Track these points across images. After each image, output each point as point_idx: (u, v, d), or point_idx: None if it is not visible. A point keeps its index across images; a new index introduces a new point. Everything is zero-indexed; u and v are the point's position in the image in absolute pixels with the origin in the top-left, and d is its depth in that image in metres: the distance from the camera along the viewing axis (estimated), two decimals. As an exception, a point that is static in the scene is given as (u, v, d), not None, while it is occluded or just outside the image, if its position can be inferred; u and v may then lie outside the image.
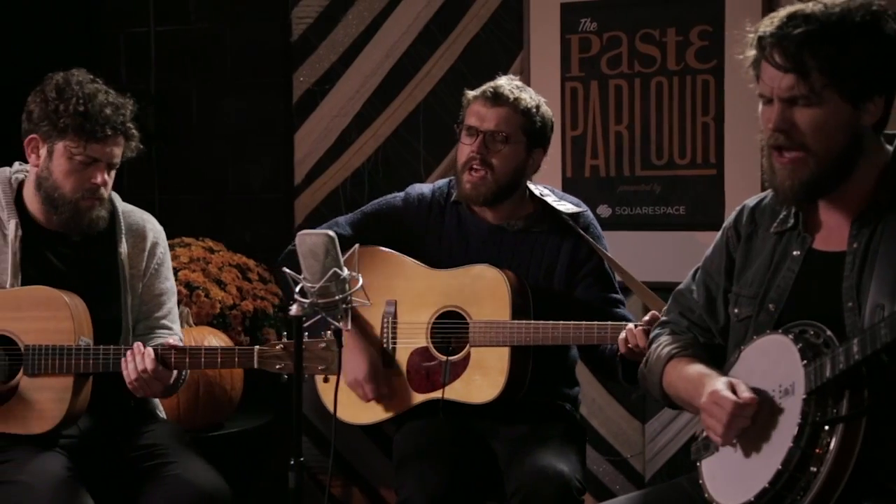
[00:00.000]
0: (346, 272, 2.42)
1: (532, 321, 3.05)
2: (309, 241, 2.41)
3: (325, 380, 3.17)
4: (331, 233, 2.41)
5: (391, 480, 4.31)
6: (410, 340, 3.19)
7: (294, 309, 2.41)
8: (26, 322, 2.90)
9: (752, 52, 2.23)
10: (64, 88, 2.94)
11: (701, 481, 2.29)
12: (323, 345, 2.75)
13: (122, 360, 2.84)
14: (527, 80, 3.98)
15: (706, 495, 2.26)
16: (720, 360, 2.39)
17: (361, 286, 2.46)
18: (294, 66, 4.41)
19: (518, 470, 2.94)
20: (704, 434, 2.32)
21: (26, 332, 2.90)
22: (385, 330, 3.23)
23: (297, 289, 2.45)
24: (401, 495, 2.98)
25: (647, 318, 2.87)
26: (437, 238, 3.25)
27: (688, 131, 3.87)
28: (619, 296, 3.23)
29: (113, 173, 3.03)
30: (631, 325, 2.89)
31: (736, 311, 2.37)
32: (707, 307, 2.46)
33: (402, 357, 3.20)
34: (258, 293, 3.85)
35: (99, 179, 2.96)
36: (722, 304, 2.43)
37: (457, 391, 3.11)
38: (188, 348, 2.90)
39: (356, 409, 3.21)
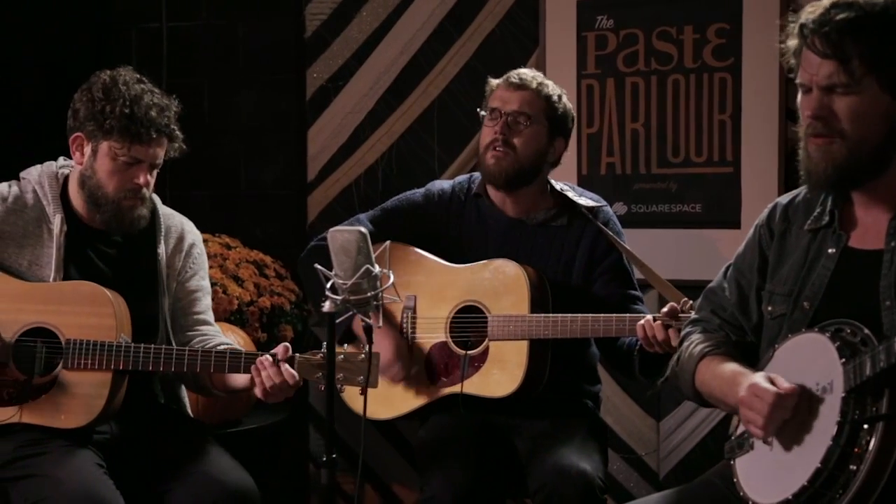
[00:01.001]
0: (377, 269, 2.42)
1: (551, 314, 3.05)
2: (341, 237, 2.40)
3: (340, 390, 3.15)
4: (363, 230, 2.39)
5: (403, 477, 4.34)
6: (430, 335, 3.19)
7: (327, 305, 2.39)
8: (68, 316, 2.89)
9: (793, 42, 2.22)
10: (111, 88, 2.93)
11: (735, 480, 2.28)
12: (362, 357, 2.76)
13: (253, 369, 2.83)
14: (543, 78, 3.99)
15: (741, 494, 2.25)
16: (752, 359, 2.39)
17: (392, 283, 2.45)
18: (307, 62, 4.40)
19: (540, 468, 2.94)
20: (738, 432, 2.32)
21: (68, 326, 2.89)
22: (405, 325, 3.23)
23: (328, 285, 2.44)
24: (426, 492, 2.97)
25: (665, 309, 2.87)
26: (458, 232, 3.26)
27: (704, 129, 3.88)
28: (638, 292, 3.23)
29: (155, 173, 3.04)
30: (649, 317, 2.89)
31: (769, 308, 2.36)
32: (739, 305, 2.45)
33: (422, 352, 3.20)
34: (275, 290, 3.84)
35: (142, 180, 2.96)
36: (755, 301, 2.42)
37: (476, 385, 3.11)
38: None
39: (376, 404, 3.19)
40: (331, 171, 4.41)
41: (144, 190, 2.99)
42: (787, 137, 3.76)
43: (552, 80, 3.28)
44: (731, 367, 2.33)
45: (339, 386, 2.88)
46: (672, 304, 2.86)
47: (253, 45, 4.54)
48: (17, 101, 4.30)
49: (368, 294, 2.42)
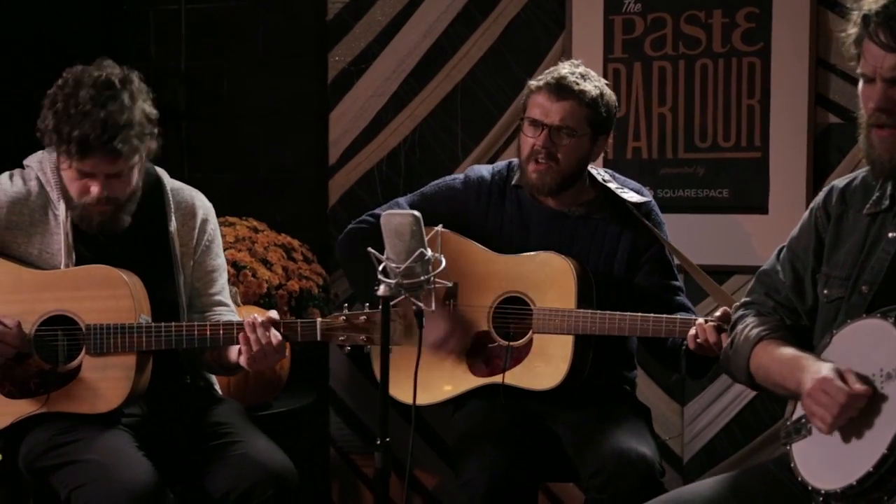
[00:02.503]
0: (430, 253, 2.40)
1: (598, 311, 3.03)
2: (395, 221, 2.39)
3: (366, 350, 3.09)
4: (416, 213, 2.38)
5: (427, 463, 4.33)
6: (472, 323, 3.17)
7: (381, 289, 2.38)
8: (86, 301, 2.87)
9: (853, 30, 2.21)
10: (57, 99, 2.85)
11: (793, 465, 2.27)
12: (363, 317, 2.78)
13: (241, 334, 2.81)
14: (568, 62, 3.97)
15: (799, 479, 2.24)
16: (806, 342, 2.38)
17: (445, 267, 2.44)
18: (329, 45, 4.37)
19: (595, 452, 2.92)
20: (794, 417, 2.31)
21: (87, 312, 2.87)
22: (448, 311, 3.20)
23: (380, 268, 2.43)
24: (462, 476, 2.96)
25: (718, 313, 2.85)
26: (498, 222, 3.23)
27: (732, 114, 3.86)
28: (679, 283, 3.22)
29: (127, 179, 2.91)
30: (701, 321, 2.87)
31: (825, 291, 2.36)
32: (794, 287, 2.44)
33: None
34: (303, 273, 3.82)
35: (94, 191, 2.87)
36: (810, 284, 2.42)
37: (517, 377, 3.10)
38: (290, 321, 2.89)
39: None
40: (352, 155, 4.38)
41: (103, 199, 2.89)
42: (817, 122, 3.75)
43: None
44: (790, 351, 2.33)
45: (351, 347, 2.86)
46: (725, 308, 2.84)
47: (272, 27, 4.50)
48: (28, 85, 4.25)
49: (422, 278, 2.41)
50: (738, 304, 2.60)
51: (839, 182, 2.44)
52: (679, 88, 3.92)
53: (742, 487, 2.36)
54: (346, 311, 2.81)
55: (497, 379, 3.10)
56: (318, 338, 2.82)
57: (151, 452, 2.82)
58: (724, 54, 3.85)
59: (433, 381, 3.18)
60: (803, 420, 2.27)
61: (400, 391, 3.01)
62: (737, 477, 2.41)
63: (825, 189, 2.46)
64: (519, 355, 3.11)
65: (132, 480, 2.67)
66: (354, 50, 4.34)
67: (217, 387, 3.19)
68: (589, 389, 3.13)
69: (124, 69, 2.93)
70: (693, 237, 3.87)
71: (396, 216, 2.39)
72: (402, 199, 3.31)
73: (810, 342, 2.39)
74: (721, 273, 3.79)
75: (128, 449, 2.80)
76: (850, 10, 2.24)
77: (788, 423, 2.34)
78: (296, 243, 3.95)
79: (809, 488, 2.21)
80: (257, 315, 2.83)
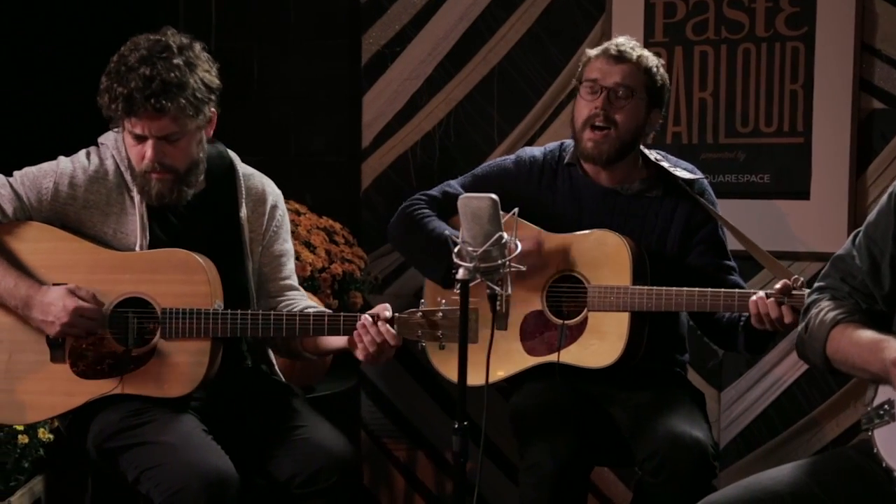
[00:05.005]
0: (507, 237, 2.39)
1: (653, 287, 3.02)
2: (473, 204, 2.37)
3: (441, 347, 3.07)
4: (494, 196, 2.36)
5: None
6: (525, 303, 3.15)
7: (461, 273, 2.36)
8: (162, 285, 2.85)
9: None
10: (119, 64, 2.83)
11: (875, 450, 2.27)
12: (440, 314, 2.73)
13: (355, 332, 2.78)
14: (608, 46, 3.94)
15: (884, 465, 2.24)
16: (884, 328, 2.37)
17: (520, 251, 2.42)
18: (363, 27, 4.33)
19: (651, 436, 2.93)
20: (877, 403, 2.30)
21: (163, 295, 2.85)
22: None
23: (455, 251, 2.41)
24: (528, 459, 2.96)
25: (778, 286, 2.85)
26: (551, 201, 3.22)
27: (775, 99, 3.85)
28: (733, 263, 3.22)
29: (184, 147, 2.89)
30: (761, 293, 2.87)
31: (904, 276, 2.35)
32: (871, 273, 2.43)
33: (516, 319, 3.16)
34: (346, 256, 3.80)
35: (148, 155, 2.85)
36: (888, 269, 2.40)
37: (573, 355, 3.09)
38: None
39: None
40: (386, 138, 4.35)
41: (156, 164, 2.86)
42: (860, 107, 3.74)
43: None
44: (870, 334, 2.32)
45: (424, 344, 2.82)
46: (785, 281, 2.84)
47: (303, 9, 4.45)
48: (57, 65, 4.23)
49: (499, 261, 2.39)
50: (810, 289, 2.58)
51: (918, 166, 2.43)
52: (721, 73, 3.90)
53: (822, 473, 2.34)
54: (422, 308, 2.76)
55: (552, 358, 3.09)
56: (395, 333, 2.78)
57: (218, 436, 2.81)
58: (767, 38, 3.83)
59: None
60: (885, 406, 2.26)
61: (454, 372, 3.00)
62: (815, 463, 2.40)
63: None
64: (574, 334, 3.10)
65: (204, 463, 2.66)
66: (389, 33, 4.31)
67: (278, 371, 3.16)
68: (643, 372, 3.13)
69: (188, 37, 2.92)
70: (733, 222, 3.83)
71: (474, 199, 2.37)
72: (454, 182, 3.30)
73: (888, 327, 2.37)
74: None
75: (198, 432, 2.79)
76: None
77: (870, 408, 2.33)
78: (337, 226, 3.92)
79: (894, 474, 2.21)
80: (369, 316, 2.78)
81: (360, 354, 2.81)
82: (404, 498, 4.46)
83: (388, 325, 2.76)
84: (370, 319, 2.77)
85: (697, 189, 3.19)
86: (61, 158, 2.99)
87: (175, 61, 2.82)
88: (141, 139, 2.85)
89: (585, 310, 3.09)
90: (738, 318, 3.01)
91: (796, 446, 3.93)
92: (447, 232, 3.10)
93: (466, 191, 3.21)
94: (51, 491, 3.44)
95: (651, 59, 3.16)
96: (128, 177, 2.94)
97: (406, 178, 4.32)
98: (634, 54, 3.14)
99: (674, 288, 2.99)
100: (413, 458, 4.43)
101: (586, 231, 3.13)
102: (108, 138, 3.02)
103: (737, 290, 2.96)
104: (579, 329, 3.10)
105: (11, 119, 4.10)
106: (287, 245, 3.14)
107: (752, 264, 3.51)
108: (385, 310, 2.79)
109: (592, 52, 3.19)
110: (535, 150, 3.31)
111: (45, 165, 2.96)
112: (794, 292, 2.83)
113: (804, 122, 3.81)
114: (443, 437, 4.37)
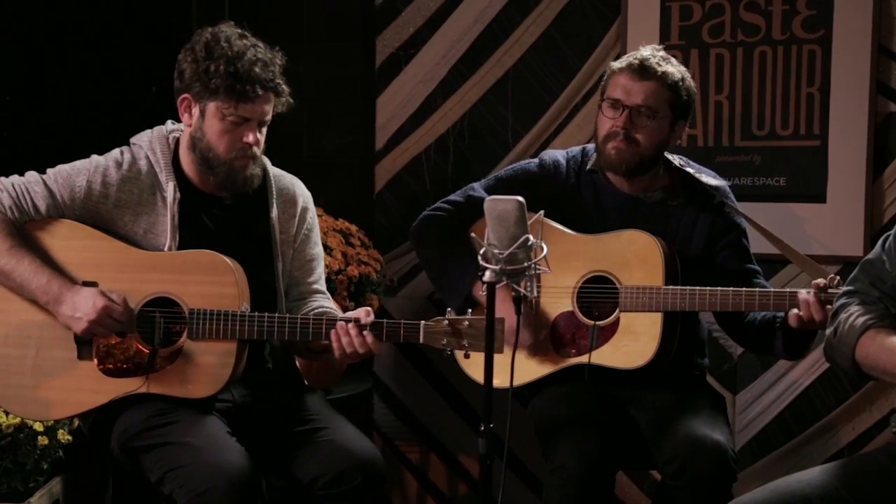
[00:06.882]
0: (533, 239, 2.38)
1: (688, 287, 3.01)
2: (499, 207, 2.36)
3: (466, 356, 3.05)
4: (520, 199, 2.36)
5: (470, 447, 4.30)
6: (555, 304, 3.14)
7: (487, 276, 2.36)
8: (190, 286, 2.85)
9: None
10: (213, 47, 2.87)
11: (904, 454, 2.27)
12: (466, 322, 2.73)
13: (333, 332, 2.79)
14: (623, 49, 3.94)
15: (912, 467, 2.24)
16: (915, 334, 2.37)
17: (546, 254, 2.41)
18: (377, 29, 4.33)
19: (672, 439, 2.92)
20: (906, 406, 2.30)
21: (190, 296, 2.84)
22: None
23: (481, 253, 2.41)
24: (554, 461, 2.94)
25: (819, 283, 2.84)
26: (575, 206, 3.20)
27: (791, 102, 3.84)
28: (757, 267, 3.21)
29: (265, 130, 2.97)
30: (804, 292, 2.85)
31: (935, 281, 2.34)
32: None
33: (547, 320, 3.14)
34: (362, 258, 3.79)
35: (251, 139, 2.89)
36: None
37: (605, 356, 3.07)
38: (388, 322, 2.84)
39: (497, 373, 3.14)
40: (400, 141, 4.35)
41: (255, 149, 2.93)
42: (877, 111, 3.74)
43: (633, 51, 3.20)
44: None
45: (452, 352, 2.82)
46: (821, 280, 2.83)
47: (316, 10, 4.45)
48: (73, 67, 4.24)
49: (524, 264, 2.39)
50: (839, 292, 2.57)
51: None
52: (737, 76, 3.90)
53: (851, 477, 2.34)
54: (449, 316, 2.75)
55: (583, 359, 3.08)
56: (421, 340, 2.78)
57: (242, 438, 2.81)
58: (783, 41, 3.82)
59: (518, 364, 3.13)
60: (914, 409, 2.26)
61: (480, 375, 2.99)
62: (844, 466, 2.39)
63: None
64: (606, 335, 3.08)
65: (228, 465, 2.66)
66: (403, 35, 4.31)
67: (301, 372, 3.15)
68: (668, 375, 3.12)
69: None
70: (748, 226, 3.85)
71: (500, 202, 2.37)
72: (477, 184, 3.29)
73: (919, 334, 2.37)
74: (776, 262, 3.77)
75: (223, 434, 2.79)
76: None
77: (897, 412, 2.33)
78: (353, 228, 3.92)
79: (924, 477, 2.21)
80: (350, 317, 2.80)
81: (336, 354, 2.82)
82: (417, 500, 4.46)
83: (370, 336, 2.78)
84: (347, 324, 2.78)
85: (721, 194, 3.18)
86: (94, 157, 2.99)
87: (261, 45, 2.93)
88: (238, 124, 2.88)
89: (617, 310, 3.08)
90: (773, 318, 3.00)
91: (811, 450, 3.92)
92: (459, 269, 3.12)
93: (490, 193, 3.20)
94: (69, 492, 3.44)
95: (675, 73, 3.10)
96: (161, 178, 2.95)
97: (420, 180, 4.32)
98: (659, 70, 3.07)
99: (707, 287, 2.97)
100: (426, 460, 4.43)
101: (616, 231, 3.12)
102: (141, 139, 3.03)
103: (772, 290, 2.96)
104: (611, 330, 3.08)
105: (45, 118, 4.11)
106: (317, 248, 3.15)
107: (768, 268, 3.51)
108: (367, 314, 2.81)
109: (616, 64, 3.15)
110: (558, 154, 3.30)
111: (79, 164, 2.97)
112: (829, 290, 2.82)
113: (820, 126, 3.81)
114: (455, 440, 4.37)
